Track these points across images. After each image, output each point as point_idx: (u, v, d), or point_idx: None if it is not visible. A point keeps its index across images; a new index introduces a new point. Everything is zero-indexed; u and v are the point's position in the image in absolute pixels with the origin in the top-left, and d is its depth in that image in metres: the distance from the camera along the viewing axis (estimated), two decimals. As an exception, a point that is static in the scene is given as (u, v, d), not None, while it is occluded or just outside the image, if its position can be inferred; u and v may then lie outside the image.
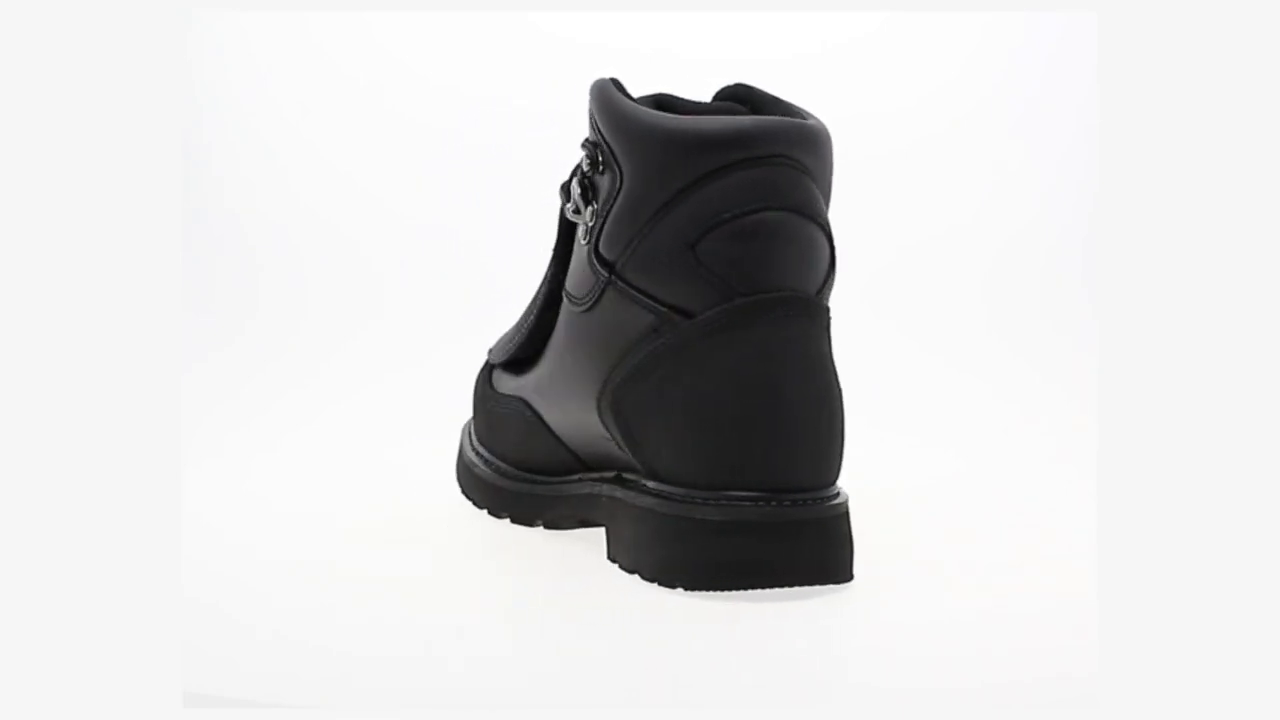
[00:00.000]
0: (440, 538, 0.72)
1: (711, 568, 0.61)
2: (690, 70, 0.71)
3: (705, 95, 0.70)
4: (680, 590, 0.62)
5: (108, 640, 0.53)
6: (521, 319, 0.74)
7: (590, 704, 0.52)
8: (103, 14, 0.58)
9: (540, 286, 0.72)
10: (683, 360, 0.62)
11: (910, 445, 0.94)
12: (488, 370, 0.77)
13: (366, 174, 1.24)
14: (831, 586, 0.62)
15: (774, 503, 0.61)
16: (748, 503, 0.61)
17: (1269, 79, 0.57)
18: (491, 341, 0.78)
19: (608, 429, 0.65)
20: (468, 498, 0.76)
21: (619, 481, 0.66)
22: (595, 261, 0.65)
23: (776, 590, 0.62)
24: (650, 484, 0.63)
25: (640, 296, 0.63)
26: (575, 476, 0.71)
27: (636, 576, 0.64)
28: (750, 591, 0.62)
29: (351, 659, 0.55)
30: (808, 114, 0.65)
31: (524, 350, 0.73)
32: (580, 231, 0.66)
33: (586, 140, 0.66)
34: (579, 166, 0.67)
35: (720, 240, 0.61)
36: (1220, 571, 0.53)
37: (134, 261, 0.57)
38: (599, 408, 0.65)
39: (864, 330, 0.88)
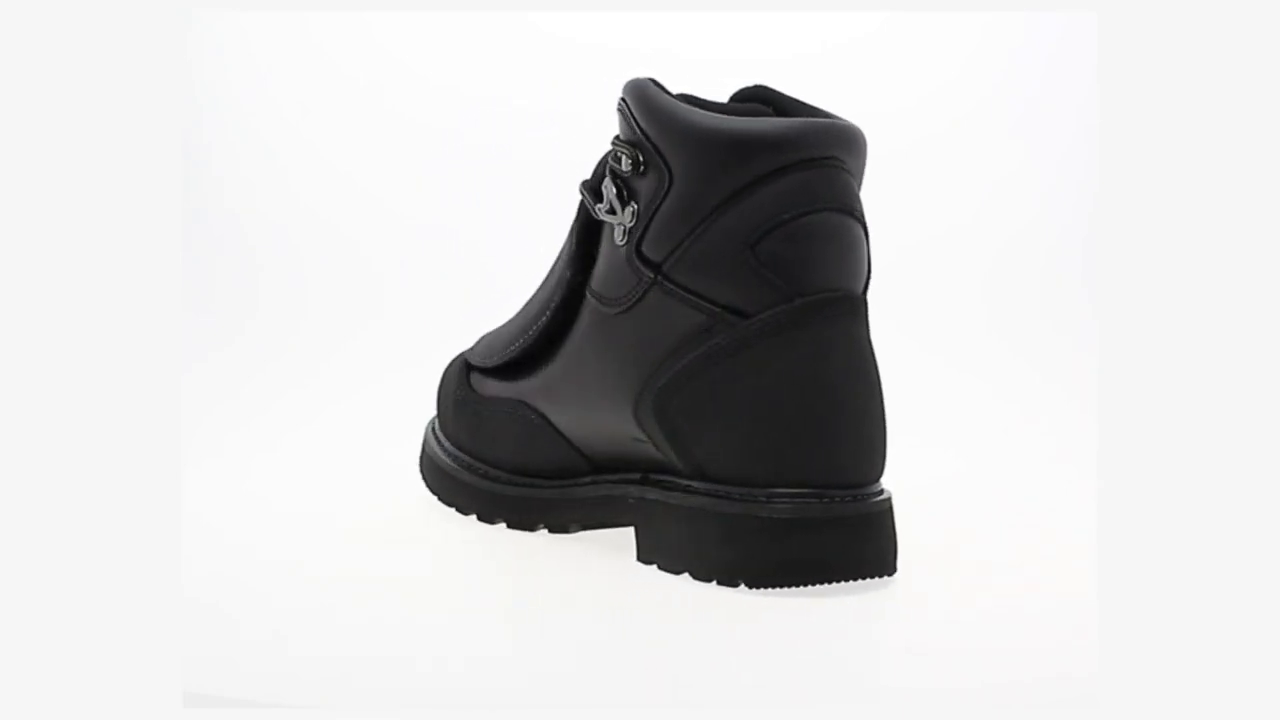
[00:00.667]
0: (440, 538, 0.72)
1: (776, 565, 0.62)
2: (690, 70, 0.71)
3: (707, 95, 0.70)
4: (742, 588, 0.62)
5: (108, 640, 0.53)
6: (524, 322, 0.72)
7: (590, 704, 0.52)
8: (103, 14, 0.58)
9: (548, 289, 0.71)
10: (741, 360, 0.62)
11: (910, 445, 0.93)
12: (463, 373, 0.76)
13: (366, 174, 1.24)
14: (829, 587, 0.62)
15: (833, 499, 0.62)
16: (812, 499, 0.62)
17: (1269, 79, 0.57)
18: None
19: (644, 430, 0.65)
20: (447, 502, 0.75)
21: (650, 483, 0.66)
22: (637, 262, 0.65)
23: (776, 590, 0.62)
24: (698, 484, 0.63)
25: (690, 297, 0.63)
26: (586, 479, 0.70)
27: (685, 576, 0.64)
28: (747, 592, 0.62)
29: (351, 659, 0.55)
30: (835, 115, 0.65)
31: (527, 353, 0.72)
32: (617, 233, 0.66)
33: (619, 140, 0.66)
34: (607, 167, 0.66)
35: (779, 241, 0.62)
36: (1220, 571, 0.53)
37: (134, 261, 0.57)
38: (636, 409, 0.65)
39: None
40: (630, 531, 0.69)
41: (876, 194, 0.88)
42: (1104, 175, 0.60)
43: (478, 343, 0.77)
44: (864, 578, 0.63)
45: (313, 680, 0.53)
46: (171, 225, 0.59)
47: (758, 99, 0.67)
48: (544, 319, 0.70)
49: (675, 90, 0.67)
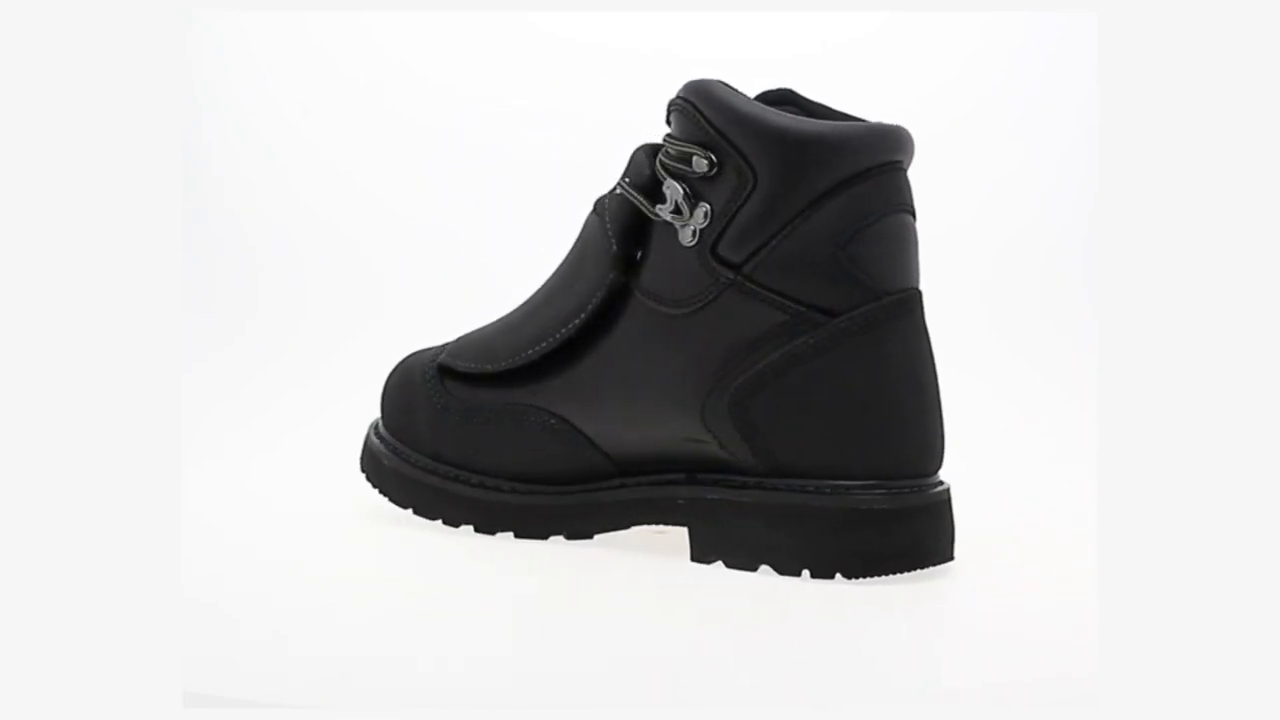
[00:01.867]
0: (440, 538, 0.71)
1: (877, 555, 0.64)
2: (690, 70, 0.71)
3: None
4: (839, 579, 0.64)
5: (108, 640, 0.53)
6: (546, 324, 0.70)
7: (590, 704, 0.52)
8: (103, 14, 0.58)
9: (579, 291, 0.69)
10: (833, 357, 0.64)
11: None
12: (437, 380, 0.73)
13: (366, 174, 1.25)
14: (829, 585, 0.63)
15: (917, 489, 0.65)
16: (904, 490, 0.64)
17: (1269, 79, 0.57)
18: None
19: (710, 430, 0.66)
20: (427, 515, 0.72)
21: (704, 482, 0.67)
22: (713, 263, 0.65)
23: (775, 590, 0.62)
24: (776, 480, 0.65)
25: (774, 296, 0.64)
26: (610, 483, 0.69)
27: (715, 568, 0.65)
28: (747, 592, 0.62)
29: (351, 659, 0.55)
30: (860, 118, 0.67)
31: (549, 356, 0.70)
32: (684, 234, 0.66)
33: (678, 140, 0.66)
34: (663, 167, 0.67)
35: (867, 241, 0.64)
36: (1220, 571, 0.53)
37: (134, 261, 0.57)
38: (704, 409, 0.65)
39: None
40: (632, 533, 0.69)
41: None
42: (1104, 175, 0.60)
43: (455, 348, 0.74)
44: (939, 563, 0.65)
45: (313, 680, 0.53)
46: (171, 225, 0.59)
47: (784, 101, 0.68)
48: (579, 321, 0.69)
49: (664, 89, 0.68)
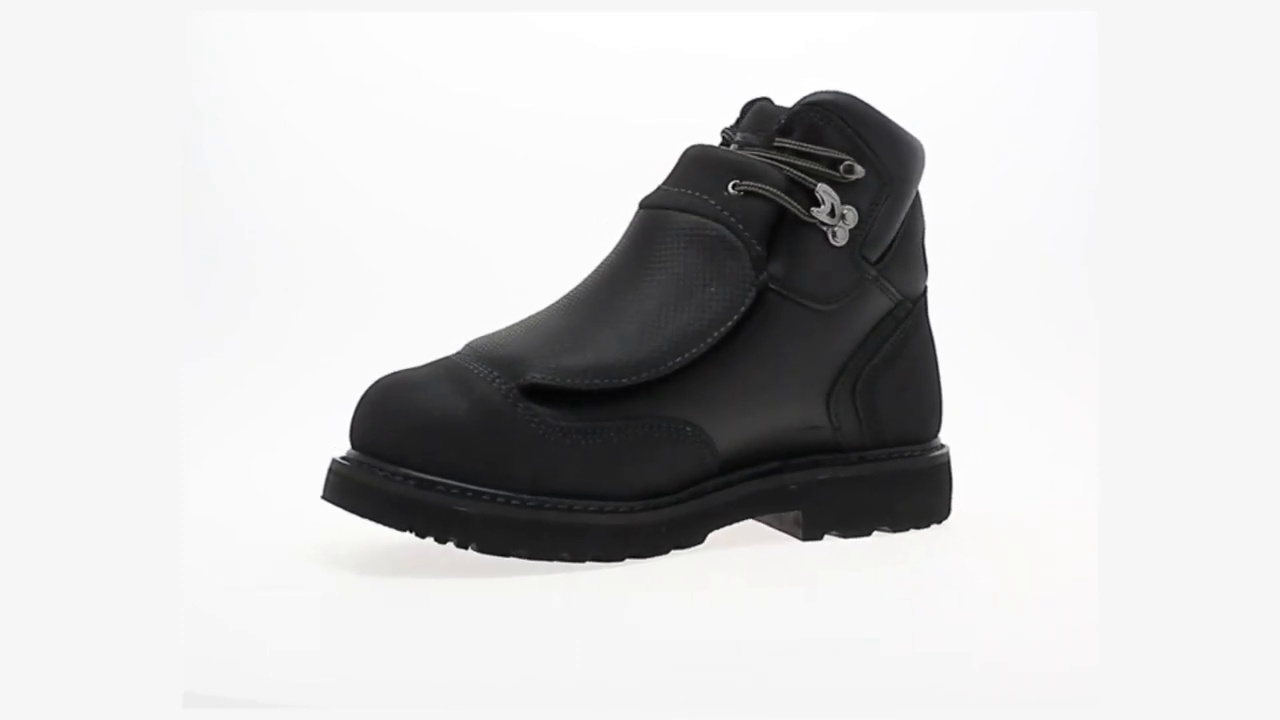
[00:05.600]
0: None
1: (947, 505, 0.76)
2: (690, 70, 0.71)
3: (708, 94, 0.70)
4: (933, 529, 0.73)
5: (108, 640, 0.53)
6: (685, 332, 0.67)
7: (590, 704, 0.52)
8: (103, 14, 0.58)
9: (722, 297, 0.68)
10: (918, 337, 0.75)
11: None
12: (514, 410, 0.65)
13: (365, 173, 1.24)
14: (829, 585, 0.64)
15: (943, 446, 0.77)
16: (940, 448, 0.76)
17: (1269, 78, 0.57)
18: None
19: (832, 415, 0.72)
20: (541, 556, 0.65)
21: (805, 466, 0.71)
22: (862, 261, 0.71)
23: (774, 591, 0.63)
24: (875, 451, 0.73)
25: (890, 288, 0.73)
26: (717, 481, 0.69)
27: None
28: (745, 591, 0.62)
29: (351, 659, 0.55)
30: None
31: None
32: (838, 235, 0.70)
33: (824, 148, 0.70)
34: (812, 174, 0.70)
35: (924, 236, 0.75)
36: (1220, 571, 0.53)
37: (134, 259, 0.57)
38: (830, 395, 0.71)
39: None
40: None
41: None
42: (1104, 175, 0.60)
43: (538, 370, 0.66)
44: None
45: (313, 680, 0.53)
46: (170, 223, 0.59)
47: (765, 111, 0.73)
48: (730, 324, 0.68)
49: (663, 89, 0.68)
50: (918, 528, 0.73)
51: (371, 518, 0.64)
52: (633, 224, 0.72)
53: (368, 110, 1.26)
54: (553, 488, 0.65)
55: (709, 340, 0.68)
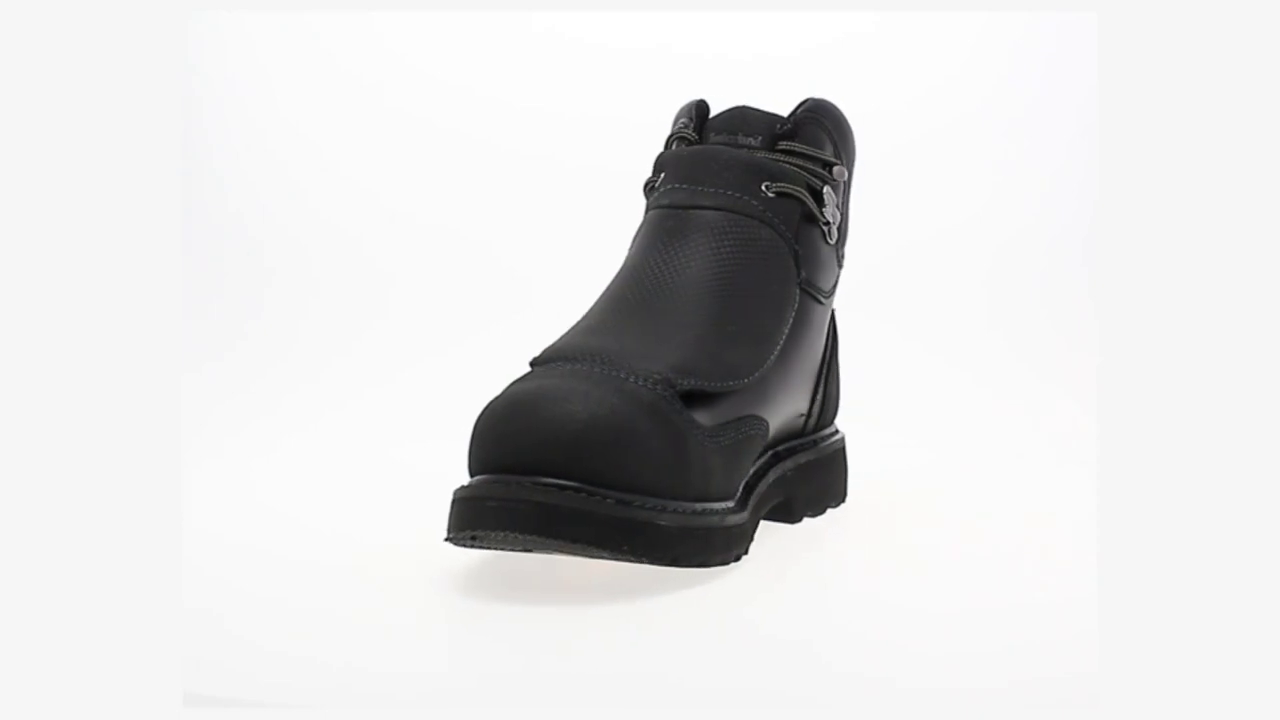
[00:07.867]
0: (440, 538, 0.71)
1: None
2: (690, 69, 0.71)
3: (708, 94, 0.70)
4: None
5: (108, 641, 0.53)
6: (765, 331, 0.68)
7: (590, 704, 0.52)
8: (103, 13, 0.58)
9: (778, 294, 0.70)
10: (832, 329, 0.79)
11: (910, 445, 0.94)
12: (679, 411, 0.63)
13: (371, 174, 1.25)
14: (826, 586, 0.64)
15: None
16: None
17: (1268, 78, 0.57)
18: (535, 350, 0.66)
19: (813, 400, 0.76)
20: (714, 563, 0.63)
21: (790, 452, 0.74)
22: (838, 255, 0.75)
23: (768, 589, 0.63)
24: (819, 434, 0.77)
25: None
26: (753, 475, 0.69)
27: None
28: (742, 592, 0.63)
29: (351, 659, 0.55)
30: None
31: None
32: (832, 233, 0.74)
33: (820, 154, 0.73)
34: (818, 176, 0.72)
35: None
36: (1220, 571, 0.53)
37: (137, 263, 0.57)
38: (816, 384, 0.76)
39: (864, 330, 0.88)
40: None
41: (875, 194, 0.88)
42: (1104, 175, 0.60)
43: (675, 370, 0.64)
44: None
45: (313, 680, 0.53)
46: (174, 227, 0.59)
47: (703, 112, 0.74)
48: (790, 324, 0.71)
49: (662, 89, 0.68)
50: (836, 506, 0.78)
51: (588, 542, 0.59)
52: (665, 221, 0.70)
53: (374, 111, 1.26)
54: (710, 492, 0.63)
55: (780, 339, 0.70)
